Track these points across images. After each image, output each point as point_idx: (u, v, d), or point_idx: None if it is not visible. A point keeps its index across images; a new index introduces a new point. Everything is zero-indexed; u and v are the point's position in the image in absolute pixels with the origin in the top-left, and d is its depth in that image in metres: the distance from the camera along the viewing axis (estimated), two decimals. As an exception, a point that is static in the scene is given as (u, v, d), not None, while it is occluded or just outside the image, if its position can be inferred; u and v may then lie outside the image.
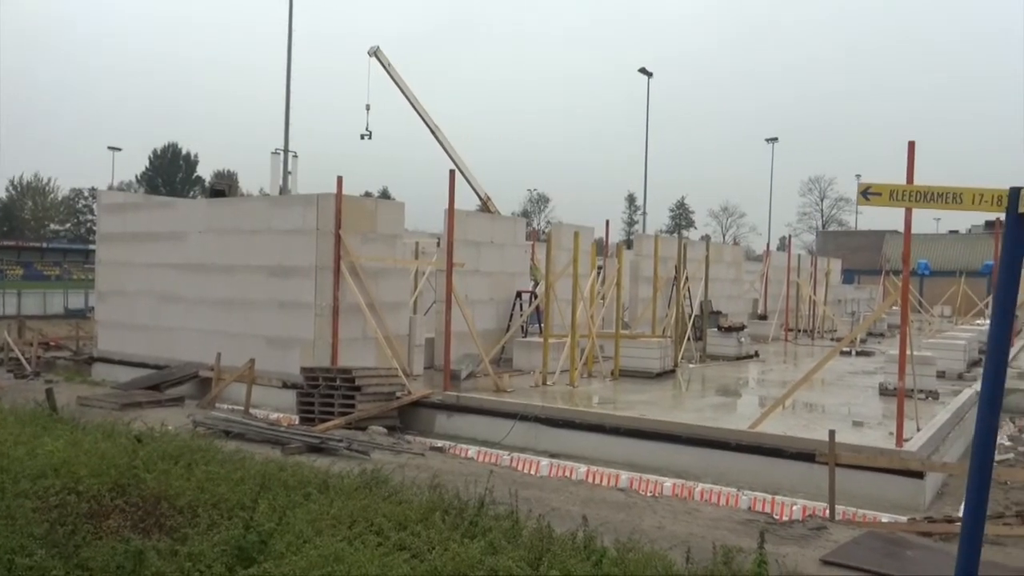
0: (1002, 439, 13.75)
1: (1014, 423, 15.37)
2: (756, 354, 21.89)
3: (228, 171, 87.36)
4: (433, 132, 27.14)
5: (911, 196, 3.97)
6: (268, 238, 15.40)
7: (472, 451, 11.62)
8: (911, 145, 9.59)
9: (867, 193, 4.02)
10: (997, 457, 12.32)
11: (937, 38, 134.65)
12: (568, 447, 11.95)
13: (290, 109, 31.90)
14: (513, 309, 18.82)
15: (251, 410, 13.35)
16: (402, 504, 6.16)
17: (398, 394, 13.40)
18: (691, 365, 19.29)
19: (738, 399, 15.25)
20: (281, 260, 15.14)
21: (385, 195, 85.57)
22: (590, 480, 10.31)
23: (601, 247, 23.03)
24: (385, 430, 12.47)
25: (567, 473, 10.56)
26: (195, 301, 16.62)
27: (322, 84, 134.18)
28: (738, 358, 20.82)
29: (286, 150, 32.53)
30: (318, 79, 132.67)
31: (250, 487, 6.20)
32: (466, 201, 31.25)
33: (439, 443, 12.05)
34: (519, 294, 19.02)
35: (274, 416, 13.44)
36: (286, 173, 32.64)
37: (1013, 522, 7.98)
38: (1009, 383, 17.87)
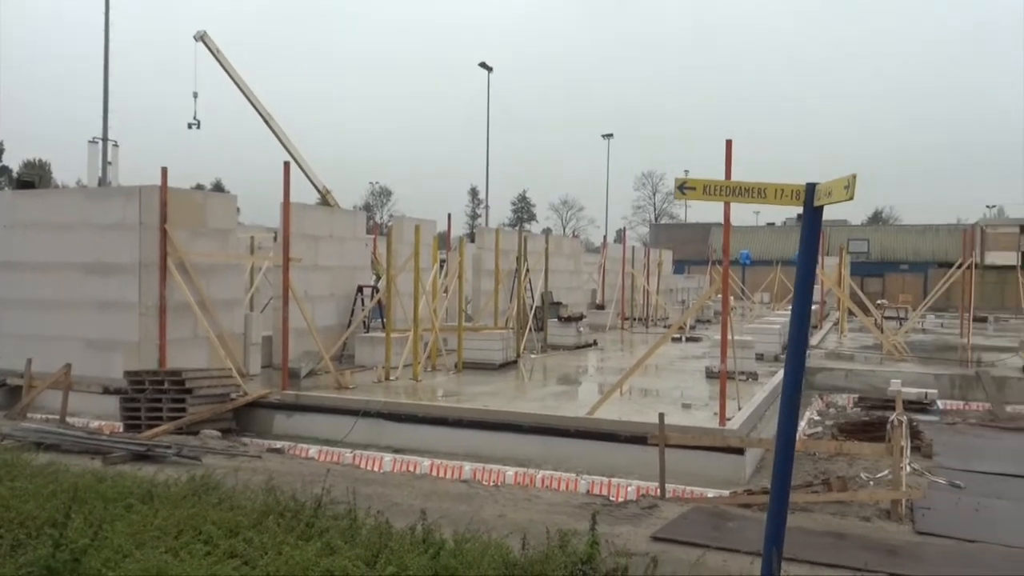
0: (812, 414, 14.97)
1: (822, 399, 16.76)
2: (595, 343, 22.68)
3: (39, 161, 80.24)
4: (267, 122, 26.14)
5: (721, 190, 4.24)
6: (85, 233, 14.31)
7: (313, 451, 11.33)
8: (728, 144, 10.25)
9: (683, 188, 4.26)
10: (807, 431, 13.40)
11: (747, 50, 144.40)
12: (412, 442, 11.90)
13: (109, 93, 29.74)
14: (355, 304, 18.50)
15: (69, 419, 12.37)
16: (234, 509, 5.90)
17: (233, 395, 12.85)
18: (533, 355, 19.72)
19: (578, 387, 15.74)
20: (100, 257, 14.12)
21: (218, 188, 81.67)
22: (434, 473, 10.32)
23: (444, 241, 23.07)
24: (219, 433, 11.92)
25: (411, 468, 10.51)
26: (1, 303, 15.20)
27: (149, 67, 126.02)
28: (578, 347, 21.49)
29: (105, 139, 30.30)
30: (144, 61, 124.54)
31: (62, 501, 5.74)
32: (306, 194, 30.41)
33: (278, 444, 11.67)
34: (360, 289, 18.72)
35: (95, 424, 12.53)
36: (106, 164, 30.41)
37: (820, 489, 8.70)
38: (818, 363, 19.54)
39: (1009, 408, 15.77)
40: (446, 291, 19.63)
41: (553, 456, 10.97)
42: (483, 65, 47.70)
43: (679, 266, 53.92)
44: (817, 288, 29.65)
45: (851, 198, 3.46)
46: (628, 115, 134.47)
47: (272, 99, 27.42)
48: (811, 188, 3.87)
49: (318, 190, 28.20)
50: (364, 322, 18.61)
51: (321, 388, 14.02)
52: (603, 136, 69.19)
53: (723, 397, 11.00)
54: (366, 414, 12.29)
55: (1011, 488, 9.51)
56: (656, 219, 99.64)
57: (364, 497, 7.45)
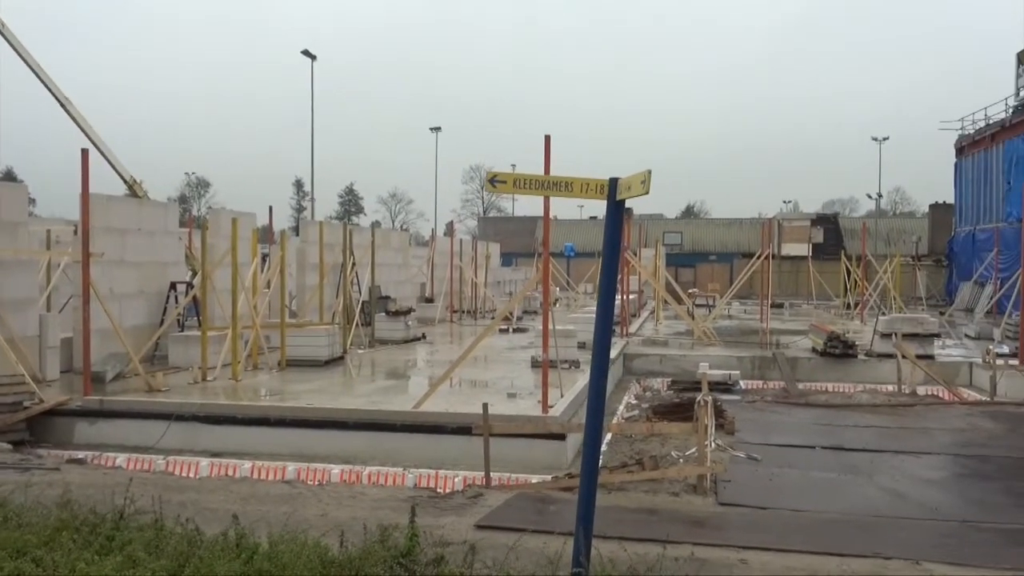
0: (630, 398, 15.77)
1: (640, 383, 17.68)
2: (423, 336, 22.68)
3: None
4: (63, 105, 23.91)
5: (531, 184, 4.36)
6: None
7: (121, 459, 10.60)
8: (547, 139, 10.55)
9: (494, 181, 4.35)
10: (626, 414, 14.10)
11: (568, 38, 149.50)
12: (231, 444, 11.39)
13: None
14: (167, 302, 17.43)
15: None
16: (22, 528, 5.40)
17: (26, 403, 11.76)
18: (360, 351, 19.44)
19: (407, 381, 15.68)
20: None
21: (9, 177, 74.33)
22: (255, 476, 9.96)
23: (265, 234, 22.23)
24: (10, 446, 10.86)
25: (229, 472, 10.08)
26: None
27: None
28: (406, 341, 21.40)
29: None
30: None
31: None
32: (113, 185, 28.20)
33: (80, 454, 10.81)
34: (174, 285, 17.66)
35: None
36: None
37: (635, 469, 9.18)
38: (636, 349, 20.57)
39: (800, 385, 17.35)
40: (268, 286, 18.95)
41: (380, 451, 10.88)
42: (306, 53, 46.27)
43: (507, 258, 54.94)
44: (635, 279, 31.23)
45: (647, 192, 3.67)
46: (458, 107, 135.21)
47: (74, 84, 25.21)
48: (613, 183, 4.06)
49: (124, 180, 26.19)
50: (178, 321, 17.60)
51: (130, 392, 13.12)
52: (431, 129, 69.21)
53: (545, 385, 11.34)
54: (180, 417, 11.63)
55: (800, 458, 10.47)
56: (484, 212, 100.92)
57: (176, 505, 7.06)
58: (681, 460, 10.00)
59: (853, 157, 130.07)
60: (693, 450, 9.86)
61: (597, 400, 4.13)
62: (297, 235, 24.56)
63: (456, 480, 9.65)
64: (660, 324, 28.49)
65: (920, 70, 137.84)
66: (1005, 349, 18.86)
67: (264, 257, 20.24)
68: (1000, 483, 9.63)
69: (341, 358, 17.54)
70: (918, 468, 10.06)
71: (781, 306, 39.42)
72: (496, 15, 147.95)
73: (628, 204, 4.30)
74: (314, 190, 51.10)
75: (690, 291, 34.94)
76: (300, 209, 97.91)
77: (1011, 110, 37.77)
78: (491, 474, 9.07)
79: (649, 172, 3.62)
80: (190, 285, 18.23)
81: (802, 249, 51.33)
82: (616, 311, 24.82)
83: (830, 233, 58.17)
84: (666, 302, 28.31)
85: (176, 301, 17.45)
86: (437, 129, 69.08)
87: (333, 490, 8.72)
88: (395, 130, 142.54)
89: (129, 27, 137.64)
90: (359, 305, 21.22)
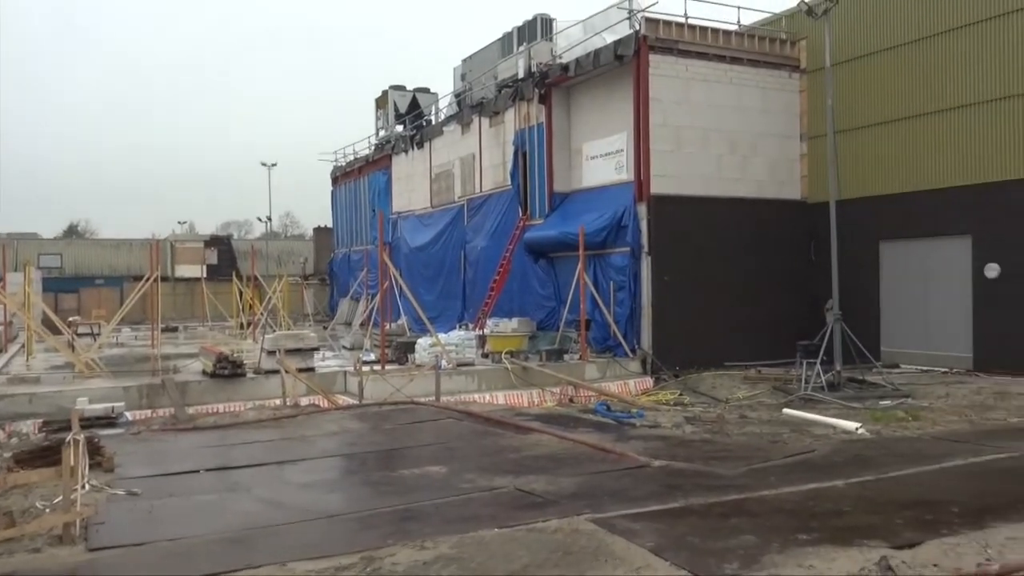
0: (-11, 448, 13.59)
1: (4, 429, 15.42)
2: None
3: None
4: None
5: None
6: None
7: None
8: None
9: None
10: None
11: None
12: None
13: None
14: None
15: None
16: None
17: None
18: None
19: None
20: None
21: None
22: None
23: None
24: None
25: None
26: None
27: None
28: None
29: None
30: None
31: None
32: None
33: None
34: None
35: None
36: None
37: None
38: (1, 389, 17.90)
39: (192, 409, 17.20)
40: None
41: None
42: None
43: None
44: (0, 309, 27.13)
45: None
46: None
47: None
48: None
49: None
50: None
51: None
52: None
53: None
54: None
55: (184, 484, 10.34)
56: None
57: None
58: (47, 510, 8.98)
59: (250, 181, 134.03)
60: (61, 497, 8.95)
61: None
62: None
63: None
64: (33, 359, 25.16)
65: (314, 105, 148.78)
66: (372, 357, 21.60)
67: None
68: (361, 476, 10.99)
69: None
70: (296, 475, 10.83)
71: (176, 329, 38.52)
72: None
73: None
74: None
75: (71, 319, 31.62)
76: None
77: (373, 147, 43.39)
78: None
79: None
80: None
81: (196, 271, 50.96)
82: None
83: (224, 254, 58.83)
84: (40, 335, 25.17)
85: None
86: None
87: None
88: None
89: None
90: None
